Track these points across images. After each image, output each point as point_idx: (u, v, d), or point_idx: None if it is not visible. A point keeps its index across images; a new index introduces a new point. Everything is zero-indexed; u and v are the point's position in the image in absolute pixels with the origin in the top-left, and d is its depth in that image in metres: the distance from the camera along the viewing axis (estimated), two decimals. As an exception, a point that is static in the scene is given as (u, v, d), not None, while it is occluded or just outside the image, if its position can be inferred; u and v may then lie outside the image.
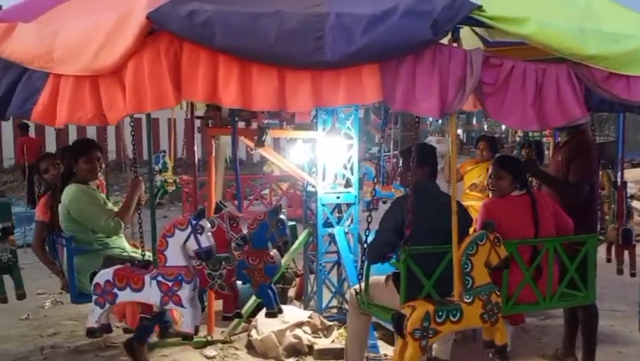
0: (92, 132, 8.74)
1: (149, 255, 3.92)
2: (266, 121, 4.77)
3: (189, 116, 5.25)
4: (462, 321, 3.19)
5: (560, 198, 4.00)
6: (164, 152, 14.04)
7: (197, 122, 4.92)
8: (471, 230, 3.83)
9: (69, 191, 4.18)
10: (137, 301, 3.56)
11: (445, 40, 3.03)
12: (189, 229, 3.35)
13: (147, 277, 3.42)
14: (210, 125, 4.63)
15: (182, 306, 3.37)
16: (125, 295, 3.48)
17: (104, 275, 3.51)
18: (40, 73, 3.08)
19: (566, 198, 4.01)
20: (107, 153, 6.93)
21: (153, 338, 4.59)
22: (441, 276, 3.32)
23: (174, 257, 3.38)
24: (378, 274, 3.84)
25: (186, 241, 3.35)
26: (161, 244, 3.41)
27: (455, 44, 3.05)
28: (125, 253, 4.24)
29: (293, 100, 2.95)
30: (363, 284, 3.68)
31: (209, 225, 3.43)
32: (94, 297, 3.53)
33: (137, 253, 4.19)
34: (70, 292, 4.22)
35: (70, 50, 2.98)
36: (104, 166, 4.52)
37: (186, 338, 3.48)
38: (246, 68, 2.89)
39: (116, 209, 4.50)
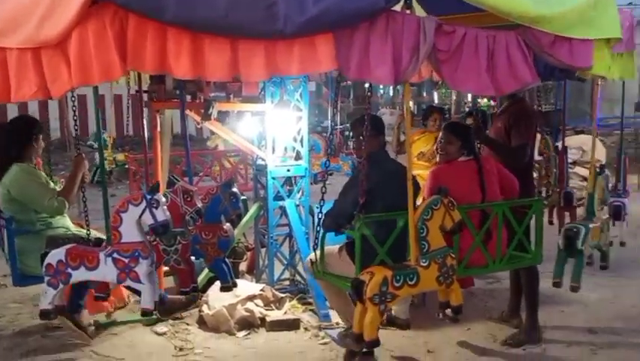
0: (33, 109, 8.45)
1: (94, 233, 3.85)
2: (212, 94, 4.70)
3: (133, 91, 5.13)
4: (419, 284, 3.28)
5: (505, 162, 4.10)
6: (104, 129, 13.73)
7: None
8: (419, 199, 3.91)
9: (12, 171, 4.05)
10: (92, 279, 3.49)
11: (397, 8, 3.04)
12: (144, 204, 3.30)
13: (102, 255, 3.35)
14: (154, 99, 4.52)
15: (140, 282, 3.33)
16: (80, 275, 3.41)
17: (56, 255, 3.42)
18: None
19: (511, 162, 4.11)
20: (50, 131, 6.72)
21: (103, 318, 4.52)
22: (394, 243, 3.39)
23: (129, 233, 3.33)
24: (332, 244, 3.88)
25: (141, 215, 3.31)
26: (115, 220, 3.35)
27: (408, 11, 3.06)
28: (70, 233, 4.14)
29: (247, 70, 2.93)
30: (318, 253, 3.72)
31: (164, 199, 3.38)
32: (46, 278, 3.44)
33: (81, 232, 4.10)
34: (12, 275, 4.11)
35: (11, 21, 2.86)
36: (43, 144, 4.39)
37: (145, 314, 3.45)
38: (197, 38, 2.84)
39: (59, 188, 4.39)
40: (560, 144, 5.33)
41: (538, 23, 3.31)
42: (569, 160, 7.83)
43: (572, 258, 3.98)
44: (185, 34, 2.81)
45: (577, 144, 9.92)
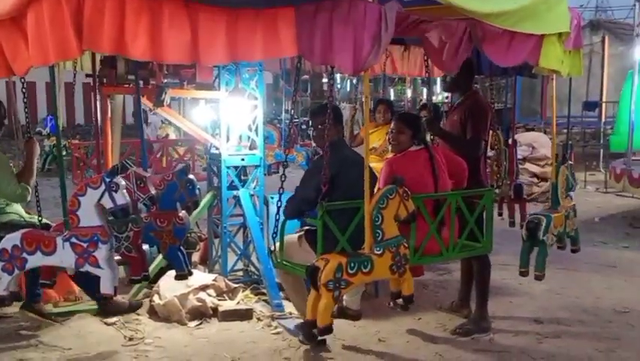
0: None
1: (45, 220, 3.74)
2: (165, 80, 4.61)
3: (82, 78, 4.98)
4: (372, 272, 3.31)
5: (458, 154, 4.17)
6: (53, 116, 13.42)
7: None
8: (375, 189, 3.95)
9: None
10: (49, 264, 3.40)
11: None
12: (103, 187, 3.23)
13: (59, 239, 3.27)
14: (105, 84, 4.42)
15: (99, 267, 3.27)
16: (36, 260, 3.33)
17: (11, 240, 3.33)
18: None
19: (464, 154, 4.18)
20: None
21: (50, 307, 4.41)
22: (354, 231, 3.41)
23: (88, 217, 3.26)
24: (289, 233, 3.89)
25: (100, 199, 3.23)
26: (72, 203, 3.27)
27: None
28: (22, 219, 4.03)
29: (207, 53, 2.89)
30: (277, 243, 3.70)
31: (123, 182, 3.31)
32: (1, 263, 3.35)
33: (33, 219, 3.99)
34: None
35: None
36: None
37: (106, 299, 3.38)
38: (156, 16, 2.77)
39: None
40: (510, 139, 5.45)
41: (488, 18, 3.40)
42: (520, 156, 8.04)
43: (536, 247, 4.06)
44: (143, 11, 2.74)
45: (527, 140, 10.21)
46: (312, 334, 3.82)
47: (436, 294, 5.14)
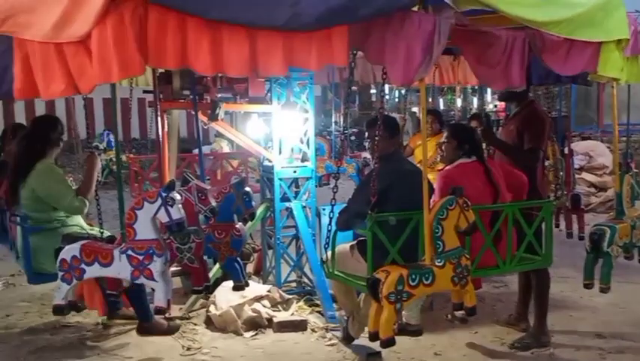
0: (40, 107, 8.46)
1: (107, 233, 3.86)
2: (219, 95, 4.71)
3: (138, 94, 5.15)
4: (434, 284, 3.27)
5: (515, 164, 4.11)
6: (110, 130, 13.83)
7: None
8: (431, 201, 3.92)
9: (37, 168, 4.07)
10: (106, 276, 3.49)
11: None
12: (159, 202, 3.31)
13: (116, 252, 3.36)
14: (162, 100, 4.54)
15: (153, 280, 3.33)
16: (94, 271, 3.42)
17: (71, 250, 3.43)
18: (5, 46, 2.96)
19: (521, 165, 4.12)
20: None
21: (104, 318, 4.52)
22: (406, 242, 3.39)
23: (144, 230, 3.34)
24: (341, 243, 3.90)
25: (156, 213, 3.31)
26: (129, 217, 3.36)
27: (424, 10, 3.07)
28: (84, 231, 4.16)
29: (266, 65, 2.96)
30: (329, 253, 3.72)
31: (179, 197, 3.38)
32: (60, 273, 3.45)
33: (94, 231, 4.11)
34: (26, 273, 4.12)
35: (33, 14, 2.84)
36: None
37: (159, 312, 3.45)
38: (217, 33, 2.86)
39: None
40: (566, 148, 5.33)
41: (546, 27, 3.35)
42: (576, 166, 7.85)
43: (601, 259, 3.95)
44: (204, 29, 2.82)
45: (583, 149, 9.93)
46: (351, 337, 3.95)
47: (492, 307, 5.04)
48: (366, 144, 3.95)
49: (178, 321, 4.47)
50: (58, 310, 3.54)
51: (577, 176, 6.90)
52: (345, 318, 4.06)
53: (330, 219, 3.70)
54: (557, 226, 5.00)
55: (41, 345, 4.21)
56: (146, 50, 2.80)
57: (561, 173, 4.99)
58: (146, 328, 4.08)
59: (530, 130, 4.13)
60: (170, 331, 4.19)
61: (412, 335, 4.26)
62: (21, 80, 2.97)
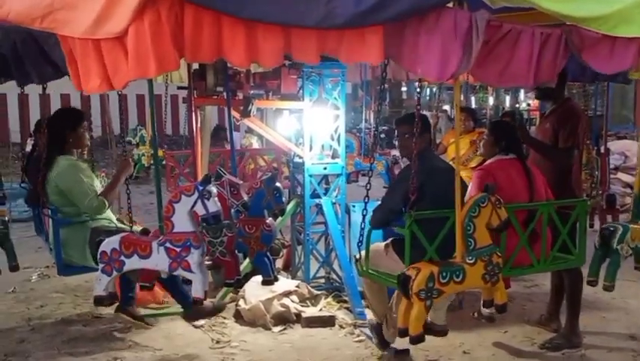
0: (76, 103, 8.62)
1: (136, 228, 3.91)
2: (251, 91, 4.74)
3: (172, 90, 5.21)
4: (465, 282, 3.26)
5: (550, 163, 4.05)
6: (142, 126, 14.01)
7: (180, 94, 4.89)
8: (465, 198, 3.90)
9: (60, 164, 4.12)
10: (145, 268, 3.54)
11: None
12: (196, 195, 3.35)
13: (155, 244, 3.41)
14: (196, 96, 4.59)
15: (191, 272, 3.37)
16: (133, 263, 3.47)
17: (111, 243, 3.49)
18: (54, 39, 3.05)
19: (556, 163, 4.06)
20: (93, 128, 6.87)
21: (140, 310, 4.59)
22: (443, 241, 3.38)
23: (181, 223, 3.38)
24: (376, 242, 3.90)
25: (193, 206, 3.36)
26: (167, 210, 3.42)
27: (459, 7, 3.06)
28: (113, 225, 4.21)
29: (299, 54, 3.02)
30: (363, 251, 3.72)
31: (215, 190, 3.43)
32: (100, 265, 3.52)
33: (124, 225, 4.17)
34: (56, 265, 4.19)
35: (72, 10, 2.87)
36: (88, 137, 4.48)
37: (197, 303, 3.49)
38: (251, 27, 2.88)
39: (100, 182, 4.47)
40: (602, 147, 5.23)
41: (584, 22, 3.28)
42: (612, 166, 7.69)
43: (609, 257, 3.87)
44: (239, 25, 2.85)
45: (619, 149, 9.74)
46: (384, 337, 3.88)
47: (523, 307, 4.98)
48: (396, 142, 3.92)
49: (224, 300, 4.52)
50: (98, 300, 3.60)
51: (612, 176, 6.76)
52: (376, 323, 4.02)
53: (363, 216, 3.69)
54: (592, 226, 4.91)
55: (74, 336, 4.31)
56: (182, 45, 2.83)
57: (596, 172, 4.90)
58: (192, 314, 4.11)
59: (566, 128, 4.07)
60: (217, 310, 4.24)
61: (436, 334, 4.20)
62: (73, 74, 3.03)
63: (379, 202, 3.80)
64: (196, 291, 3.39)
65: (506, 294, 3.46)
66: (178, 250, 3.35)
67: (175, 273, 3.45)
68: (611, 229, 3.83)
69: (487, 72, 3.25)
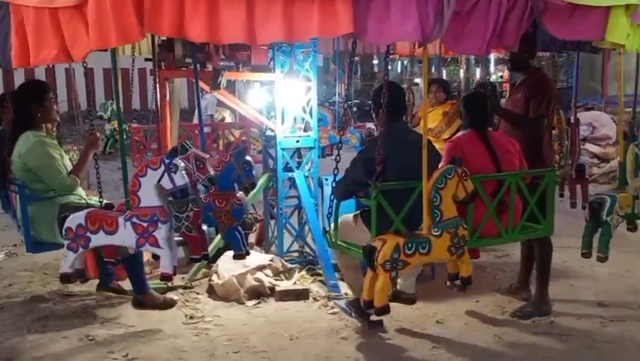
0: (41, 77, 8.42)
1: (106, 202, 3.85)
2: (221, 63, 4.65)
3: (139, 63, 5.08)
4: (430, 253, 3.29)
5: (521, 132, 4.08)
6: (112, 100, 13.73)
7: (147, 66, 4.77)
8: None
9: (25, 140, 4.01)
10: (111, 244, 3.49)
11: None
12: (162, 168, 3.29)
13: (121, 219, 3.35)
14: (163, 68, 4.49)
15: (159, 247, 3.33)
16: (99, 239, 3.42)
17: (76, 219, 3.43)
18: (2, 11, 2.93)
19: (527, 133, 4.09)
20: (59, 103, 6.70)
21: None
22: (410, 212, 3.39)
23: (148, 198, 3.33)
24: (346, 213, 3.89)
25: (160, 180, 3.29)
26: (133, 184, 3.35)
27: None
28: (83, 200, 4.14)
29: (262, 30, 2.89)
30: (332, 223, 3.71)
31: (182, 164, 3.37)
32: (66, 242, 3.46)
33: (93, 200, 4.10)
34: (25, 242, 4.12)
35: None
36: (57, 110, 4.37)
37: (165, 278, 3.45)
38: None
39: (69, 158, 4.38)
40: (572, 118, 5.28)
41: None
42: (580, 136, 7.80)
43: (600, 228, 3.93)
44: None
45: (587, 120, 9.88)
46: (365, 312, 3.84)
47: (494, 276, 5.05)
48: (373, 114, 3.89)
49: (178, 294, 4.46)
50: (65, 278, 3.55)
51: (580, 146, 6.85)
52: (353, 299, 4.03)
53: (332, 189, 3.69)
54: (562, 195, 4.98)
55: (45, 314, 4.23)
56: (143, 15, 2.74)
57: (566, 142, 4.96)
58: (141, 300, 4.04)
59: (537, 97, 4.09)
60: (165, 305, 4.12)
61: (405, 302, 4.26)
62: (17, 48, 2.93)
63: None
64: (164, 266, 3.36)
65: (471, 266, 3.49)
66: (145, 225, 3.30)
67: (142, 249, 3.40)
68: (599, 201, 3.87)
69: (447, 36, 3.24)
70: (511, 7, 3.23)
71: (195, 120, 9.81)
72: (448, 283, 3.64)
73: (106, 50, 3.56)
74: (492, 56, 15.93)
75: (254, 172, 4.13)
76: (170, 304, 4.14)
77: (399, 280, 4.08)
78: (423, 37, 2.98)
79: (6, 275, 5.13)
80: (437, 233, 3.29)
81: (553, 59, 6.65)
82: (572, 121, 5.19)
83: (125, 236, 3.35)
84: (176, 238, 4.55)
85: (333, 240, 3.80)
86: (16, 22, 2.91)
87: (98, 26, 2.75)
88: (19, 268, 5.30)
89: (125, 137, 8.11)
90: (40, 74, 9.87)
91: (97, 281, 4.39)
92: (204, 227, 3.96)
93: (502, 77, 16.17)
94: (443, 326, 4.08)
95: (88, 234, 3.41)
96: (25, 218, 3.96)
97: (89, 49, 2.86)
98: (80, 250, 3.46)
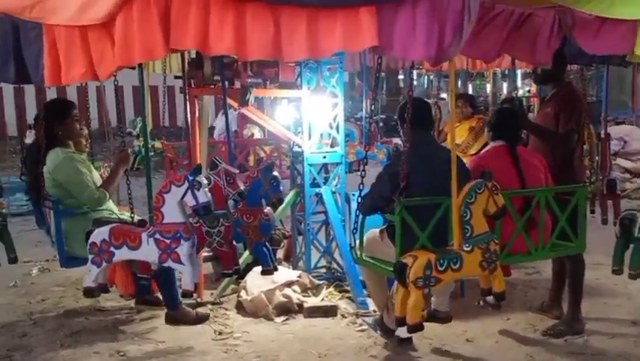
0: (72, 96, 8.60)
1: (138, 218, 3.90)
2: (249, 80, 4.70)
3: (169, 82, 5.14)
4: (462, 269, 3.26)
5: (551, 148, 4.03)
6: (140, 117, 13.92)
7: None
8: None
9: (54, 156, 4.11)
10: (134, 259, 3.53)
11: None
12: (186, 185, 3.33)
13: (144, 235, 3.39)
14: (193, 86, 4.55)
15: (180, 263, 3.35)
16: (122, 254, 3.45)
17: (101, 234, 3.47)
18: (36, 32, 3.01)
19: (557, 148, 4.04)
20: (90, 120, 6.82)
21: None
22: (435, 228, 3.37)
23: (171, 214, 3.36)
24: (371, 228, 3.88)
25: (183, 197, 3.33)
26: (157, 200, 3.39)
27: None
28: (114, 215, 4.20)
29: (289, 48, 2.92)
30: (357, 239, 3.71)
31: (205, 181, 3.40)
32: (90, 256, 3.50)
33: (125, 215, 4.16)
34: (58, 257, 4.18)
35: None
36: (86, 131, 4.46)
37: (186, 295, 3.47)
38: (240, 14, 2.82)
39: (99, 173, 4.46)
40: (602, 132, 5.20)
41: (577, 4, 3.26)
42: (611, 151, 7.68)
43: (632, 245, 3.85)
44: (228, 8, 2.79)
45: (618, 134, 9.73)
46: (390, 330, 3.83)
47: (525, 294, 4.98)
48: (400, 130, 3.89)
49: (207, 310, 4.46)
50: (88, 292, 3.59)
51: (612, 161, 6.74)
52: (378, 317, 4.02)
53: (358, 204, 3.69)
54: (593, 212, 4.90)
55: (77, 329, 4.29)
56: (169, 31, 2.79)
57: (597, 157, 4.88)
58: (173, 317, 4.04)
59: (567, 111, 4.04)
60: (198, 320, 4.12)
61: (441, 321, 4.21)
62: (49, 67, 3.00)
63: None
64: (185, 283, 3.38)
65: (504, 282, 3.44)
66: (168, 241, 3.33)
67: (165, 265, 3.43)
68: (630, 217, 3.81)
69: (480, 50, 3.24)
70: (541, 23, 3.23)
71: (216, 137, 9.92)
72: (481, 302, 3.60)
73: (134, 68, 3.64)
74: (519, 71, 15.80)
75: (281, 188, 4.15)
76: (203, 319, 4.14)
77: (432, 299, 4.06)
78: (436, 58, 2.97)
79: (39, 290, 5.22)
80: (468, 249, 3.26)
81: (581, 72, 6.56)
82: (603, 136, 5.11)
83: (147, 252, 3.39)
84: (205, 254, 4.63)
85: (359, 255, 3.79)
86: (48, 42, 2.99)
87: (124, 43, 2.80)
88: (52, 283, 5.39)
89: (153, 153, 8.27)
90: (71, 93, 10.10)
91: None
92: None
93: (529, 91, 16.01)
94: (473, 344, 4.03)
95: (112, 249, 3.45)
96: (58, 233, 4.03)
97: (114, 67, 2.91)
98: (104, 264, 3.50)
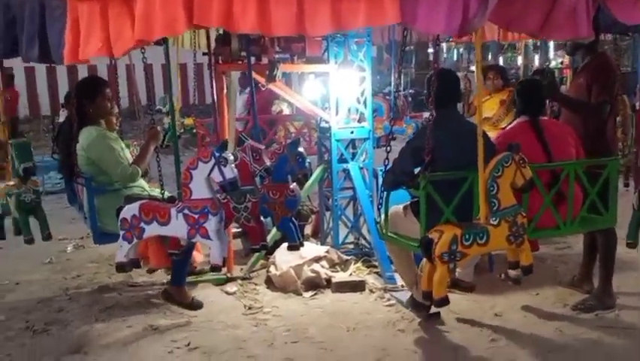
0: (103, 74, 8.72)
1: (168, 194, 3.95)
2: (276, 55, 4.69)
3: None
4: (489, 243, 3.23)
5: (583, 120, 3.96)
6: (168, 95, 13.98)
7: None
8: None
9: (87, 134, 4.17)
10: (164, 234, 3.59)
11: None
12: (213, 161, 3.36)
13: (173, 210, 3.44)
14: (220, 62, 4.56)
15: (209, 238, 3.40)
16: (153, 229, 3.50)
17: (131, 210, 3.53)
18: (61, 10, 3.06)
19: (589, 120, 3.97)
20: (120, 99, 6.89)
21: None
22: (460, 202, 3.34)
23: (199, 190, 3.40)
24: (398, 203, 3.86)
25: (210, 173, 3.37)
26: (185, 176, 3.44)
27: None
28: (145, 192, 4.26)
29: (312, 24, 2.91)
30: (382, 215, 3.70)
31: (232, 157, 3.43)
32: (121, 232, 3.56)
33: (156, 192, 4.21)
34: (92, 234, 4.26)
35: None
36: (117, 108, 4.51)
37: (214, 269, 3.52)
38: None
39: (130, 151, 4.51)
40: (637, 103, 5.07)
41: None
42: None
43: None
44: None
45: (653, 106, 9.45)
46: (423, 305, 3.83)
47: (555, 268, 4.93)
48: (427, 103, 3.85)
49: (237, 285, 4.54)
50: (120, 267, 3.65)
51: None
52: (410, 297, 4.02)
53: (382, 180, 3.67)
54: (627, 185, 4.79)
55: (110, 304, 4.40)
56: (192, 7, 2.78)
57: (631, 130, 4.76)
58: (170, 293, 4.07)
59: (599, 82, 3.95)
60: (191, 306, 4.11)
61: (463, 290, 4.22)
62: (69, 44, 3.02)
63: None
64: (214, 258, 3.42)
65: (531, 255, 3.41)
66: (196, 216, 3.37)
67: (193, 240, 3.49)
68: None
69: (525, 23, 3.15)
70: None
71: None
72: (502, 275, 3.57)
73: (161, 44, 3.64)
74: (551, 42, 15.43)
75: (307, 163, 4.15)
76: (197, 306, 4.14)
77: (457, 270, 4.05)
78: (461, 31, 2.92)
79: (74, 267, 5.35)
80: (495, 222, 3.23)
81: (615, 42, 6.36)
82: (638, 107, 4.98)
83: (177, 227, 3.43)
84: (235, 230, 4.67)
85: (384, 231, 3.79)
86: (71, 19, 3.01)
87: (144, 19, 2.79)
88: (86, 259, 5.52)
89: (183, 130, 8.35)
90: (102, 71, 10.22)
91: (159, 271, 4.49)
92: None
93: (562, 62, 15.63)
94: (501, 318, 4.02)
95: (142, 224, 3.50)
96: (92, 210, 4.11)
97: (131, 44, 2.91)
98: (135, 240, 3.55)
